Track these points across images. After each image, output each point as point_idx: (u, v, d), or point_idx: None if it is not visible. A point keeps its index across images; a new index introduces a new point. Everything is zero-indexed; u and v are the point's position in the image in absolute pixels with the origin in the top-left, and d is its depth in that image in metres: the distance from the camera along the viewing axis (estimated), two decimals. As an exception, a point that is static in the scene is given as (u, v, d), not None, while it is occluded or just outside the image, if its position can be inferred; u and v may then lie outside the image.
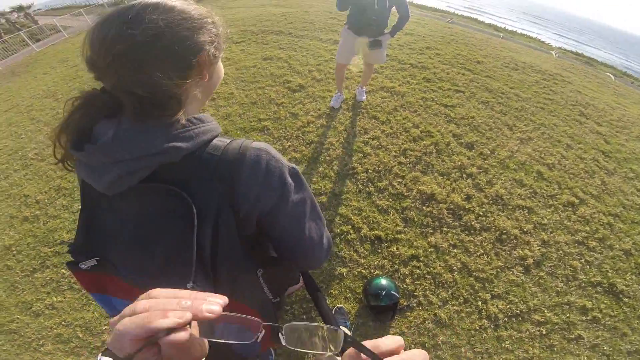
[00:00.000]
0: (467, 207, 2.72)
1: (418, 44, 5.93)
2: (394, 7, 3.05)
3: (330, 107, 3.73)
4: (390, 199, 2.68)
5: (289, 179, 0.65)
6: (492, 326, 2.21)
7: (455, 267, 2.37)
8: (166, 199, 0.57)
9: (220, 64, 0.69)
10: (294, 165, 0.68)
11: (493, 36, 9.32)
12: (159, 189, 0.57)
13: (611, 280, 2.64)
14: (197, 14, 0.59)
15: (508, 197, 2.86)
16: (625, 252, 2.83)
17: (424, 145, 3.21)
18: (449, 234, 2.53)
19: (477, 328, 2.18)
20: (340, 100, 3.77)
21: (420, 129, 3.40)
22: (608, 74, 8.66)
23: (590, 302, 2.49)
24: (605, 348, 2.39)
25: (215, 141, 0.62)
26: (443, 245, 2.45)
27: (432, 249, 2.43)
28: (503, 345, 2.15)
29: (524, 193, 2.93)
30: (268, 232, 0.68)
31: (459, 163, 3.06)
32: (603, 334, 2.42)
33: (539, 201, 2.91)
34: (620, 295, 2.59)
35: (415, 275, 2.30)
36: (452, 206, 2.71)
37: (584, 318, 2.43)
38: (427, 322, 2.14)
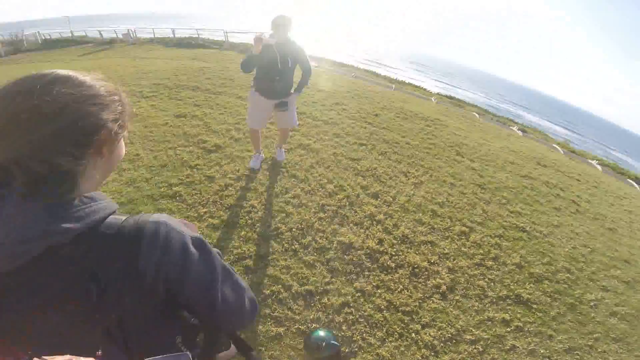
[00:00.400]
0: (381, 249, 2.98)
1: (329, 101, 6.47)
2: (297, 64, 3.14)
3: (249, 168, 3.66)
4: (315, 254, 2.79)
5: (192, 249, 0.64)
6: (432, 354, 2.33)
7: (382, 306, 2.50)
8: (61, 280, 0.55)
9: (122, 142, 0.68)
10: (198, 234, 0.68)
11: (387, 88, 10.62)
12: (50, 270, 0.55)
13: (515, 291, 3.00)
14: (104, 91, 0.60)
15: (412, 235, 3.23)
16: (517, 265, 3.30)
17: (338, 199, 3.44)
18: (371, 277, 2.72)
19: (420, 358, 2.29)
20: (259, 160, 3.72)
21: (334, 184, 3.64)
22: (474, 113, 10.54)
23: (507, 314, 2.77)
24: (542, 351, 2.61)
25: (109, 219, 0.60)
26: (367, 288, 2.61)
27: (359, 294, 2.57)
28: (450, 369, 2.26)
29: (424, 230, 3.34)
30: (179, 301, 0.67)
31: (369, 212, 3.35)
32: (533, 340, 2.66)
33: (438, 235, 3.35)
34: (529, 303, 2.94)
35: (350, 321, 2.38)
36: (368, 251, 2.94)
37: (509, 329, 2.67)
38: (372, 364, 2.19)
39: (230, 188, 3.37)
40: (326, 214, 3.20)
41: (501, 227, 3.82)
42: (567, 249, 3.91)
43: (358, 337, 2.29)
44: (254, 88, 3.21)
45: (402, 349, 2.30)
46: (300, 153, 4.21)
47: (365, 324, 2.39)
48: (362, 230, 3.13)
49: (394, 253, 2.97)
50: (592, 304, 3.20)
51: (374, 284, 2.67)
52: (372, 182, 3.82)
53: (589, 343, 2.82)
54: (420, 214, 3.53)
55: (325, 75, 10.14)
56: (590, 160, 9.65)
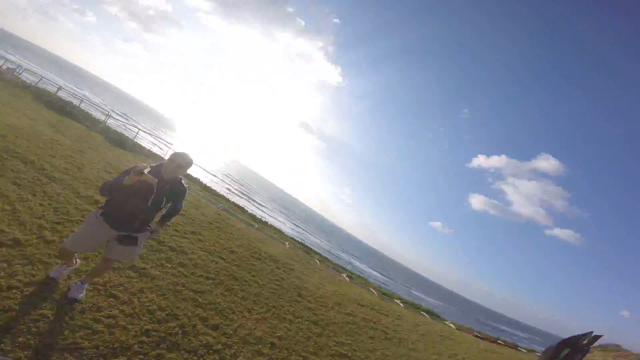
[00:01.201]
0: None
1: (185, 227, 5.81)
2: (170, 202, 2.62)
3: (50, 277, 2.66)
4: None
5: None
6: None
7: None
8: None
9: None
10: None
11: (250, 226, 10.72)
12: None
13: None
14: None
15: None
16: None
17: (169, 327, 2.90)
18: None
19: None
20: (66, 272, 2.77)
21: (166, 312, 3.07)
22: (317, 260, 11.69)
23: None
24: None
25: None
26: None
27: None
28: None
29: None
30: None
31: (205, 341, 2.95)
32: None
33: None
34: None
35: None
36: None
37: None
38: None
39: (14, 290, 2.36)
40: (151, 339, 2.63)
41: (329, 355, 3.98)
42: (381, 368, 4.25)
43: None
44: (101, 212, 2.47)
45: None
46: (130, 275, 3.35)
47: None
48: (195, 358, 2.71)
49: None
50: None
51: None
52: (213, 315, 3.47)
53: None
54: (260, 346, 3.37)
55: (191, 198, 8.85)
56: (395, 300, 11.56)
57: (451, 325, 11.82)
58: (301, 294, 5.71)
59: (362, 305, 7.40)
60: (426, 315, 11.21)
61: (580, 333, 4.38)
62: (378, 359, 4.65)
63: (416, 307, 12.07)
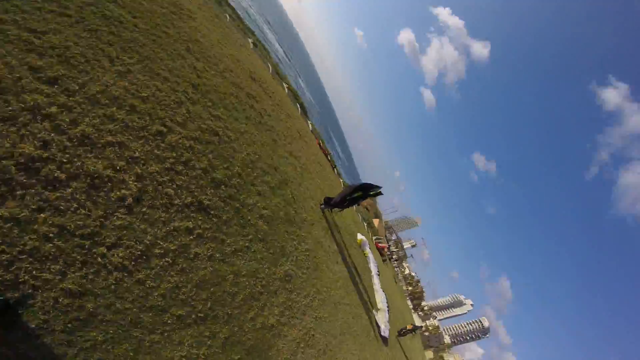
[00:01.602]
0: (44, 156, 1.92)
1: None
2: None
3: None
4: None
5: None
6: (126, 274, 1.93)
7: (51, 234, 1.76)
8: None
9: None
10: None
11: None
12: None
13: (199, 198, 2.72)
14: None
15: (97, 135, 2.27)
16: (203, 170, 2.98)
17: None
18: (27, 197, 1.76)
19: (115, 281, 1.86)
20: None
21: None
22: (227, 14, 9.30)
23: (190, 223, 2.50)
24: (217, 255, 2.56)
25: None
26: (24, 214, 1.72)
27: (10, 224, 1.66)
28: (147, 285, 2.00)
29: (114, 128, 2.44)
30: None
31: (33, 103, 2.05)
32: (210, 245, 2.55)
33: (131, 134, 2.54)
34: (208, 209, 2.73)
35: (5, 262, 1.58)
36: (22, 160, 1.82)
37: (191, 237, 2.44)
38: (61, 299, 1.65)
39: None
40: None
41: (199, 129, 3.40)
42: (243, 155, 3.90)
43: (27, 277, 1.62)
44: None
45: (91, 277, 1.81)
46: None
47: (32, 259, 1.66)
48: (13, 129, 1.87)
49: (65, 160, 1.99)
50: (250, 207, 3.37)
51: (34, 206, 1.76)
52: (54, 64, 2.39)
53: (247, 244, 3.05)
54: (115, 109, 2.56)
55: None
56: (284, 84, 11.61)
57: (310, 125, 12.69)
58: (190, 49, 4.41)
59: (253, 80, 6.58)
60: (299, 108, 11.93)
61: (375, 184, 5.50)
62: (245, 142, 4.37)
63: (296, 97, 12.54)
